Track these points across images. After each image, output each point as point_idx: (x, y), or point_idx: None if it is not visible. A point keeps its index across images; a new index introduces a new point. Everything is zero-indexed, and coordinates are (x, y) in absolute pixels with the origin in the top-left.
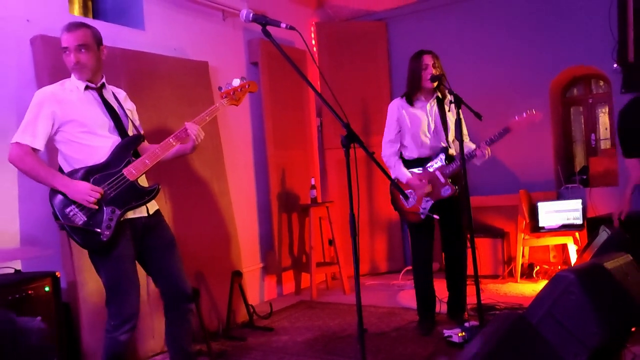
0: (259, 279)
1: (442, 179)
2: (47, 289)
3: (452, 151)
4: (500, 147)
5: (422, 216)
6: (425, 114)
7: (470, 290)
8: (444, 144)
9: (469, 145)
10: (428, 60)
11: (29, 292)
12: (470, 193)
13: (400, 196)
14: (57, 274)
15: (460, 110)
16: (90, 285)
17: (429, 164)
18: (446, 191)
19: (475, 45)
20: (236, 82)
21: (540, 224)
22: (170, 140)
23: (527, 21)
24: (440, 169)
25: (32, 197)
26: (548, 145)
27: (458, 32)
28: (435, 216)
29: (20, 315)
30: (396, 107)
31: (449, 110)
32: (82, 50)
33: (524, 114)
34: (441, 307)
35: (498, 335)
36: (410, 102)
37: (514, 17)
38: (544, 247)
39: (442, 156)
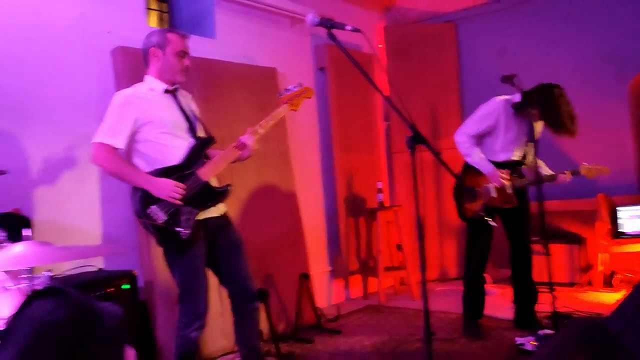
0: (327, 282)
1: (509, 191)
2: (125, 287)
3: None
4: (576, 148)
5: (478, 216)
6: (522, 124)
7: (544, 298)
8: (521, 158)
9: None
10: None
11: (110, 289)
12: (544, 197)
13: (467, 189)
14: (134, 272)
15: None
16: (165, 284)
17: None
18: (507, 203)
19: (548, 45)
20: (294, 88)
21: (622, 230)
22: (235, 146)
23: (602, 17)
24: (511, 180)
25: (114, 200)
26: (628, 147)
27: (529, 32)
28: (492, 223)
29: None
30: (499, 109)
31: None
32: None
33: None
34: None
35: (570, 340)
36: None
37: (589, 14)
38: (626, 254)
39: (518, 168)
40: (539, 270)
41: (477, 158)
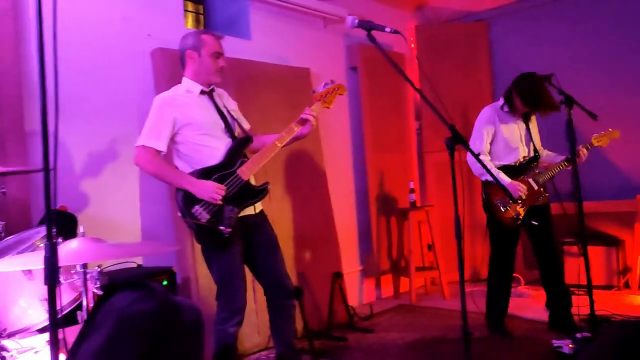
0: (358, 282)
1: (535, 187)
2: (164, 283)
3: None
4: (615, 148)
5: (518, 222)
6: (516, 123)
7: (580, 300)
8: (534, 153)
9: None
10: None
11: None
12: (582, 198)
13: (496, 201)
14: (173, 269)
15: (571, 111)
16: (201, 280)
17: (524, 174)
18: (538, 200)
19: (585, 45)
20: (327, 86)
21: None
22: (277, 143)
23: (635, 14)
24: (533, 176)
25: (152, 198)
26: None
27: (565, 32)
28: (534, 222)
29: None
30: (493, 115)
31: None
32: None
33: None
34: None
35: (614, 343)
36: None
37: (628, 15)
38: None
39: (535, 164)
40: (576, 273)
41: (491, 174)
